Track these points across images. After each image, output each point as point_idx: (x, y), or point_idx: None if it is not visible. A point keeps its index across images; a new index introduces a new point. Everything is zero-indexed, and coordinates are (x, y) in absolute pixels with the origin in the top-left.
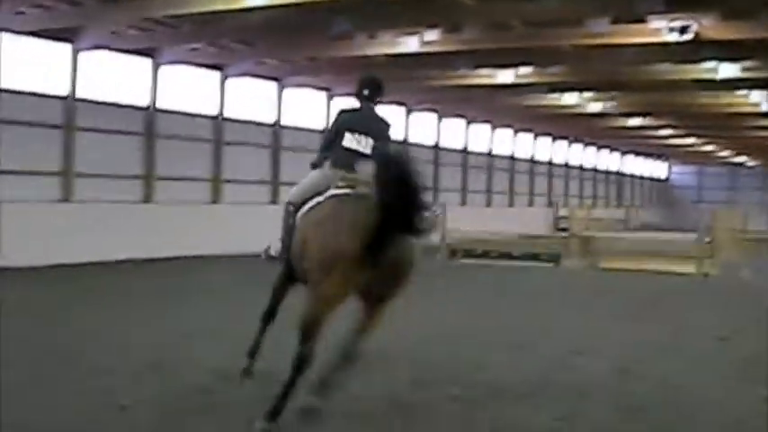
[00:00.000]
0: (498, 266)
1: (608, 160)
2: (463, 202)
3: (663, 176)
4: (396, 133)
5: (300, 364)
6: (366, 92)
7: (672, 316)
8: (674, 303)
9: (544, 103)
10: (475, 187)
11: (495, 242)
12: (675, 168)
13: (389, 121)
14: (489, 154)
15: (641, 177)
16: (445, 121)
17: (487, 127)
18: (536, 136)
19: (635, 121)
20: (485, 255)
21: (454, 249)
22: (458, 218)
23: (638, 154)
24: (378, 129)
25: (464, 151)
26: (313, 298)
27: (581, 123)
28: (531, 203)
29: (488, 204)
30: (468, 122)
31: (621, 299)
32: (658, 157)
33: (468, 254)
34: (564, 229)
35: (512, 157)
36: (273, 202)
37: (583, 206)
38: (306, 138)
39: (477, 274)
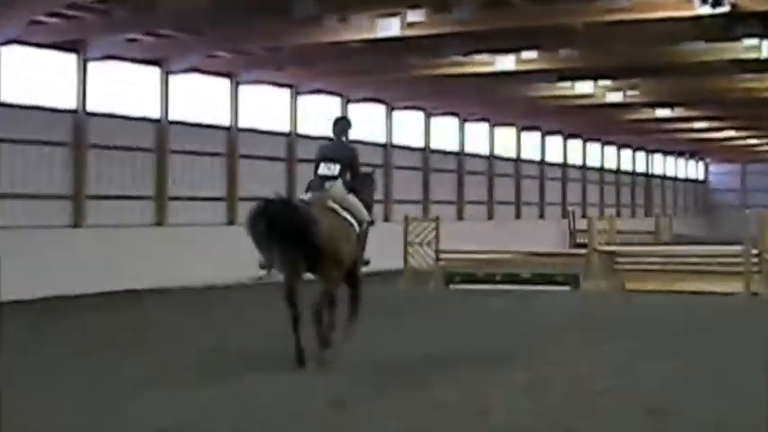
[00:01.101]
0: (504, 292)
1: (632, 161)
2: (459, 216)
3: (699, 178)
4: (359, 155)
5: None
6: (337, 129)
7: (714, 346)
8: (716, 331)
9: (553, 93)
10: (473, 197)
11: (500, 263)
12: (714, 168)
13: (354, 148)
14: (489, 157)
15: (673, 179)
16: (434, 119)
17: (485, 125)
18: (544, 134)
19: (663, 113)
20: (487, 279)
21: (450, 274)
22: (454, 235)
23: (668, 152)
24: (345, 156)
25: (459, 154)
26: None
27: (598, 117)
28: (541, 215)
29: (490, 217)
30: (463, 120)
31: (653, 326)
32: (692, 155)
33: (468, 278)
34: (582, 245)
35: (517, 160)
36: (231, 222)
37: (604, 216)
38: (269, 143)
39: (478, 302)
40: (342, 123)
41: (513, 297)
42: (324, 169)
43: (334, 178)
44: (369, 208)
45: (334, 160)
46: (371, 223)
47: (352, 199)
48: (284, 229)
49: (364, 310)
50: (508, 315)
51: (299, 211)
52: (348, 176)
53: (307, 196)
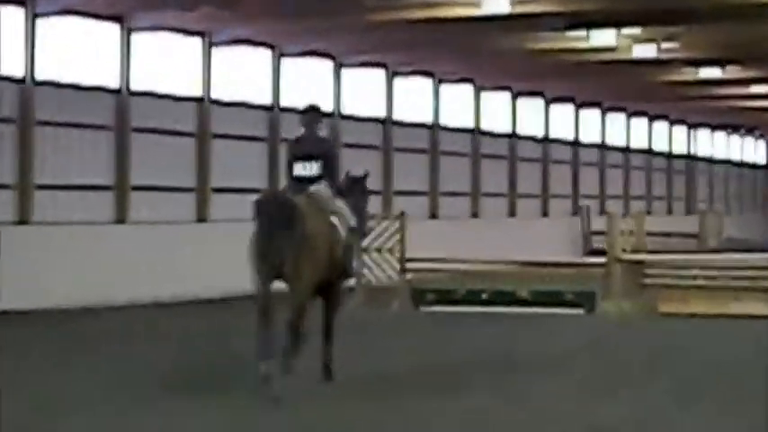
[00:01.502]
0: (493, 317)
1: (669, 138)
2: (433, 213)
3: (759, 161)
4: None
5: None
6: (306, 119)
7: None
8: None
9: (561, 45)
10: (452, 187)
11: (488, 276)
12: None
13: (331, 141)
14: (474, 132)
15: (725, 163)
16: (399, 80)
17: (468, 88)
18: (549, 102)
19: (710, 73)
20: (471, 299)
21: (420, 291)
22: (425, 238)
23: (717, 127)
24: (322, 152)
25: (432, 127)
26: None
27: (623, 79)
28: (544, 211)
29: (475, 214)
30: (438, 82)
31: (693, 365)
32: (750, 131)
33: (444, 298)
34: (600, 252)
35: (511, 137)
36: (202, 219)
37: (630, 213)
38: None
39: (454, 331)
40: (312, 113)
41: (505, 324)
42: (300, 169)
43: (315, 179)
44: (362, 217)
45: (310, 157)
46: (364, 235)
47: (340, 203)
48: (274, 219)
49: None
50: (492, 349)
51: (287, 202)
52: (330, 177)
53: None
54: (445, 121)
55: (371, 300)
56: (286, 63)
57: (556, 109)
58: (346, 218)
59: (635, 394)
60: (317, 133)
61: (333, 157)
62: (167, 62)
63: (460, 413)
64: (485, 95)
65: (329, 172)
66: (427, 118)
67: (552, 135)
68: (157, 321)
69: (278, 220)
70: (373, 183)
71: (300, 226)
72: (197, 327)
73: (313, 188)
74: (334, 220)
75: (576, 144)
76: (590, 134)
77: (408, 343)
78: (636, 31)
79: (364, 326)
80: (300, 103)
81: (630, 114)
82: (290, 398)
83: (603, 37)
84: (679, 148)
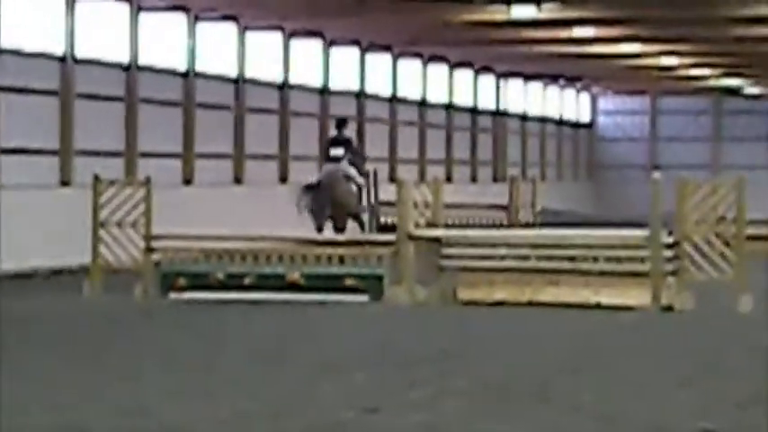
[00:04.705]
0: (258, 306)
1: (474, 90)
2: (187, 179)
3: (582, 120)
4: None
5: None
6: (337, 123)
7: (606, 398)
8: (607, 371)
9: None
10: (208, 148)
11: (253, 256)
12: (605, 104)
13: (350, 137)
14: (237, 81)
15: (541, 121)
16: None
17: (228, 27)
18: (328, 45)
19: (523, 12)
20: (231, 283)
21: (170, 274)
22: (176, 209)
23: (531, 77)
24: (345, 142)
25: (186, 75)
26: None
27: (417, 17)
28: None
29: (237, 180)
30: (195, 18)
31: (494, 364)
32: (572, 81)
33: (199, 283)
34: (389, 228)
35: (281, 87)
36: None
37: (425, 180)
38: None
39: (208, 323)
40: (340, 121)
41: (274, 314)
42: (334, 151)
43: (341, 158)
44: (361, 173)
45: (339, 145)
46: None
47: (353, 170)
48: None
49: None
50: (256, 354)
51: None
52: (348, 155)
53: (326, 167)
54: (203, 67)
55: (111, 284)
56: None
57: (337, 53)
58: (356, 179)
59: (426, 398)
60: (343, 133)
61: (349, 144)
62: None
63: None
64: (250, 36)
65: (347, 153)
66: (180, 64)
67: (333, 85)
68: None
69: (325, 186)
70: (114, 141)
71: (337, 189)
72: None
73: (341, 164)
74: (350, 184)
75: (361, 96)
76: (378, 84)
77: (138, 350)
78: None
79: (96, 320)
80: None
81: (427, 61)
82: None
83: None
84: (486, 102)
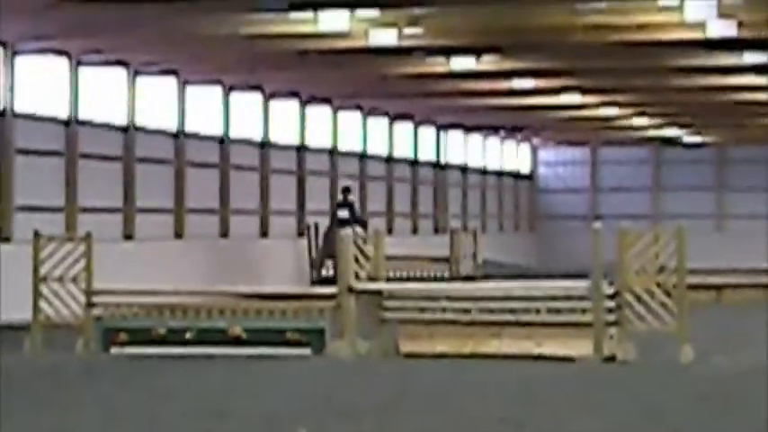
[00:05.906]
0: (198, 360)
1: (414, 142)
2: (127, 233)
3: (522, 170)
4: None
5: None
6: (343, 191)
7: None
8: (549, 422)
9: (283, 29)
10: (149, 202)
11: (195, 310)
12: (546, 154)
13: (353, 201)
14: (178, 135)
15: (482, 173)
16: (84, 71)
17: (169, 81)
18: (267, 98)
19: (463, 63)
20: (173, 338)
21: (111, 329)
22: (118, 264)
23: (471, 129)
24: (349, 206)
25: (126, 130)
26: None
27: (357, 70)
28: (264, 231)
29: (178, 234)
30: (135, 73)
31: (433, 417)
32: (512, 131)
33: (140, 337)
34: (330, 280)
35: (222, 141)
36: None
37: (367, 233)
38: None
39: (147, 380)
40: (345, 189)
41: (216, 369)
42: (341, 213)
43: (347, 220)
44: (364, 227)
45: (344, 208)
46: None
47: (358, 228)
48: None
49: None
50: (197, 411)
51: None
52: (353, 217)
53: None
54: (143, 121)
55: (51, 340)
56: None
57: (277, 106)
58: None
59: None
60: (348, 198)
61: (353, 207)
62: None
63: None
64: (191, 90)
65: (352, 215)
66: (121, 119)
67: (274, 139)
68: None
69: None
70: (55, 196)
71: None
72: None
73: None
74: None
75: (301, 150)
76: (319, 137)
77: (90, 395)
78: (373, 13)
79: (39, 373)
80: None
81: (367, 113)
82: None
83: (334, 20)
84: (426, 154)
